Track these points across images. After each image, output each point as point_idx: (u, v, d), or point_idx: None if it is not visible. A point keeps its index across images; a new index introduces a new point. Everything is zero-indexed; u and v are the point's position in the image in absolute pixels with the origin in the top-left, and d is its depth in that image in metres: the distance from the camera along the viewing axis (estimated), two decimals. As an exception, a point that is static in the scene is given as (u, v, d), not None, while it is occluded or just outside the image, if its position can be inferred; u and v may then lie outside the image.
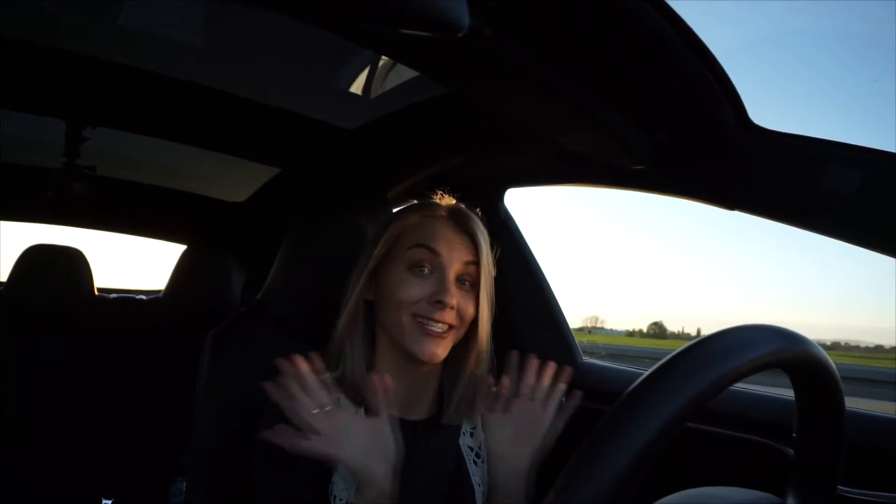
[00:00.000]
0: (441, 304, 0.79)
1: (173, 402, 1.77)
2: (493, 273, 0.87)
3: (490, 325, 0.87)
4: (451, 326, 0.81)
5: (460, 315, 0.82)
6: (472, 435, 0.91)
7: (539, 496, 0.37)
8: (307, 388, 0.73)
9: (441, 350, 0.80)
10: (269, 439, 0.73)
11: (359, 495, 0.74)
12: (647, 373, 0.40)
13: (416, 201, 0.92)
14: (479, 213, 0.89)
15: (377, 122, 1.36)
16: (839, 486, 0.59)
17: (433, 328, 0.79)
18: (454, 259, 0.82)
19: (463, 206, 0.89)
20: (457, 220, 0.86)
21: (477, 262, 0.84)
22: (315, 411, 0.72)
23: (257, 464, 0.81)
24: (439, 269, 0.81)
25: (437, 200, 0.90)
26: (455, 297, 0.80)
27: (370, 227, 1.00)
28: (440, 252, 0.81)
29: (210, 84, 1.25)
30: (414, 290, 0.80)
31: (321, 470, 0.79)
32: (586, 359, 1.40)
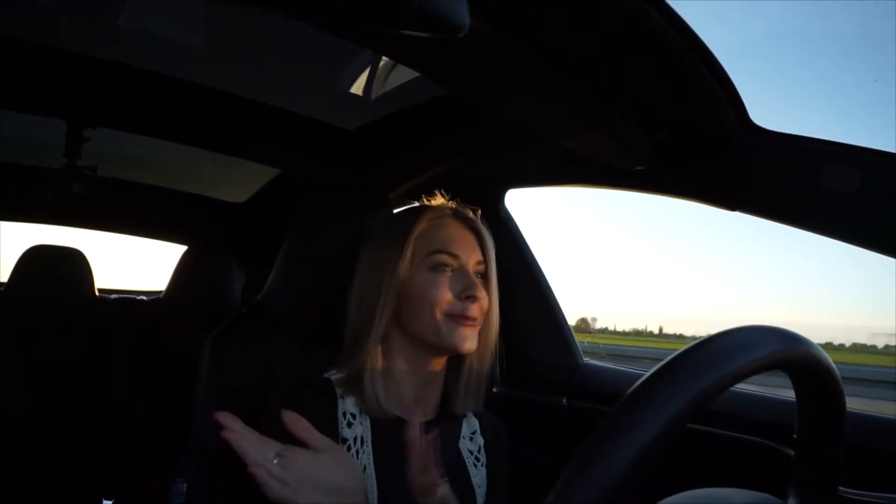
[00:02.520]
0: (472, 298, 0.83)
1: (173, 402, 1.77)
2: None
3: (497, 319, 0.90)
4: (476, 319, 0.84)
5: (481, 307, 0.85)
6: (471, 439, 0.92)
7: (539, 496, 0.37)
8: (252, 443, 0.67)
9: (475, 341, 0.84)
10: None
11: None
12: (647, 374, 0.40)
13: (415, 203, 0.93)
14: (480, 213, 0.92)
15: (378, 123, 1.36)
16: (840, 487, 0.59)
17: (466, 321, 0.83)
18: (470, 258, 0.86)
19: (460, 205, 0.92)
20: (462, 219, 0.89)
21: (485, 259, 0.88)
22: (275, 461, 0.67)
23: None
24: (461, 268, 0.85)
25: (436, 202, 0.93)
26: (481, 291, 0.84)
27: (371, 228, 1.00)
28: (458, 255, 0.85)
29: (210, 84, 1.25)
30: (444, 288, 0.83)
31: None
32: (587, 360, 1.40)
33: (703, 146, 0.96)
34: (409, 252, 0.85)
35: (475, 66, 0.74)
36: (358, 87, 1.29)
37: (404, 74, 1.19)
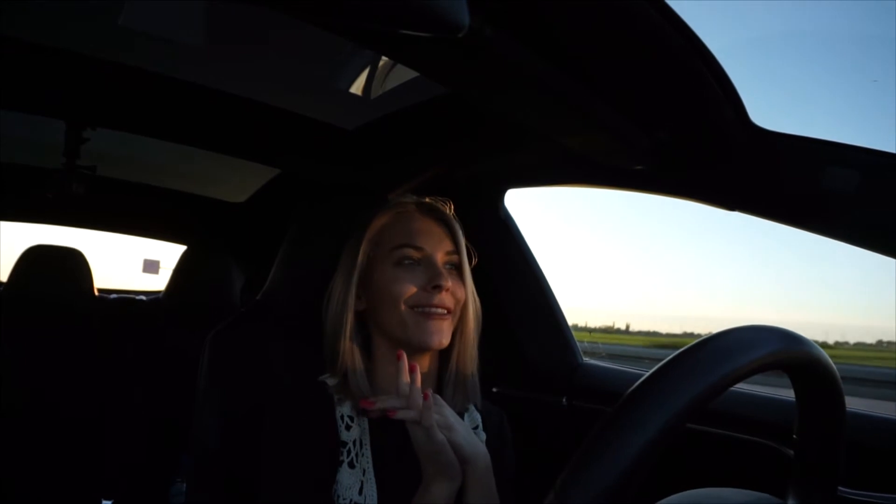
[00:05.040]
0: (438, 288, 0.81)
1: (173, 402, 1.77)
2: (475, 260, 0.89)
3: (478, 309, 0.88)
4: (448, 311, 0.83)
5: (454, 298, 0.84)
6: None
7: (539, 496, 0.37)
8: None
9: (446, 336, 0.82)
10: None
11: (449, 483, 0.75)
12: (648, 373, 0.40)
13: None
14: (449, 204, 0.90)
15: (378, 122, 1.36)
16: (839, 487, 0.59)
17: (434, 313, 0.81)
18: (437, 249, 0.84)
19: (429, 199, 0.90)
20: (429, 212, 0.88)
21: (457, 250, 0.86)
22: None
23: (263, 464, 0.81)
24: (427, 259, 0.84)
25: (402, 199, 0.91)
26: (448, 280, 0.82)
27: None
28: (423, 247, 0.84)
29: (210, 84, 1.25)
30: (408, 282, 0.82)
31: (326, 470, 0.79)
32: (586, 359, 1.40)
33: (702, 146, 0.96)
34: (366, 248, 0.85)
35: (475, 66, 0.74)
36: (357, 87, 1.29)
37: (404, 74, 1.19)
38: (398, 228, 0.85)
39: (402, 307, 0.81)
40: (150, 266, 5.99)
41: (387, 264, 0.84)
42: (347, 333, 0.84)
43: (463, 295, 0.85)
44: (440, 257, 0.84)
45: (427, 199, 0.90)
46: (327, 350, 0.86)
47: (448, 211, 0.89)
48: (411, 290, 0.81)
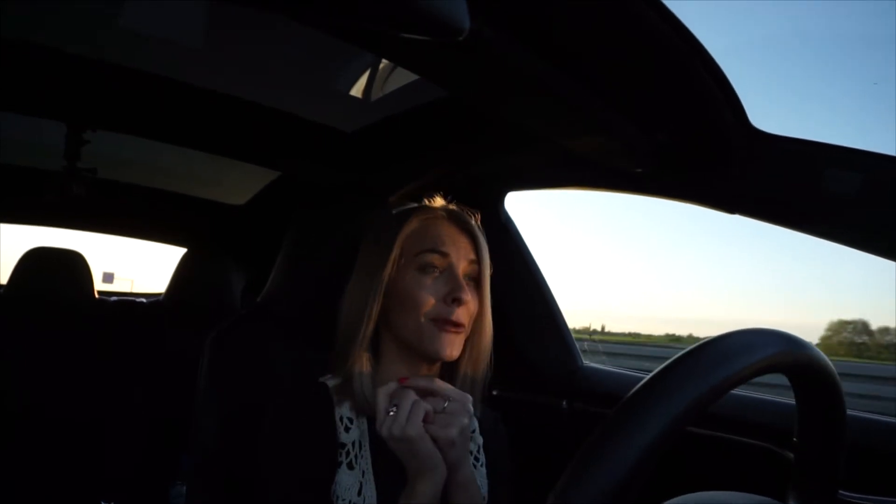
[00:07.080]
0: (458, 302, 0.80)
1: (173, 404, 1.77)
2: (490, 271, 0.88)
3: (491, 325, 0.88)
4: (463, 325, 0.82)
5: (469, 312, 0.83)
6: (469, 439, 0.91)
7: (539, 499, 0.37)
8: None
9: (457, 349, 0.82)
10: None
11: (432, 478, 0.75)
12: (648, 376, 0.40)
13: (413, 204, 0.92)
14: (476, 214, 0.89)
15: (378, 125, 1.36)
16: (840, 491, 0.59)
17: (450, 328, 0.81)
18: (461, 258, 0.84)
19: (458, 207, 0.90)
20: (456, 220, 0.87)
21: (478, 261, 0.85)
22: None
23: (261, 464, 0.80)
24: (450, 268, 0.83)
25: (434, 203, 0.91)
26: (468, 294, 0.81)
27: (366, 230, 1.00)
28: (449, 253, 0.83)
29: (211, 87, 1.25)
30: (429, 291, 0.81)
31: (325, 470, 0.79)
32: (587, 362, 1.40)
33: (702, 149, 0.96)
34: (396, 253, 0.84)
35: (475, 68, 0.74)
36: (357, 90, 1.29)
37: (404, 76, 1.19)
38: (425, 233, 0.84)
39: (422, 318, 0.81)
40: (107, 277, 7.96)
41: (410, 269, 0.83)
42: (365, 342, 0.83)
43: (476, 308, 0.84)
44: (462, 268, 0.83)
45: (453, 206, 0.89)
46: (337, 352, 0.86)
47: (475, 222, 0.88)
48: (431, 301, 0.81)
